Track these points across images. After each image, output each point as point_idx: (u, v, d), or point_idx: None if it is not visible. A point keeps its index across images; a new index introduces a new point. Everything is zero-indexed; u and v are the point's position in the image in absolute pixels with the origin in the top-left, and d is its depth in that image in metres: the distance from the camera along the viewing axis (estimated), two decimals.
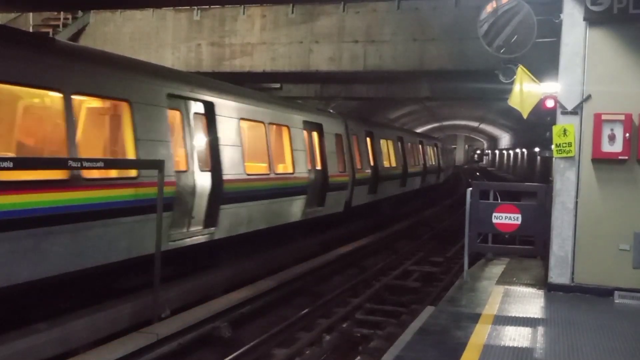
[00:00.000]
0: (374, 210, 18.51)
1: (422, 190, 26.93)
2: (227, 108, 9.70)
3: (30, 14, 15.75)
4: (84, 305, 7.10)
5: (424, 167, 27.00)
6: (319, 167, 13.55)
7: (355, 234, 15.83)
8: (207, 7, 15.32)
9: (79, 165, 6.25)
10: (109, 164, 7.14)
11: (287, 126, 12.09)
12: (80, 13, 15.93)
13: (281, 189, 11.36)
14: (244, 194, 9.88)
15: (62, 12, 15.75)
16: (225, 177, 9.27)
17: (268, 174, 11.01)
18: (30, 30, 15.31)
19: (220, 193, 9.17)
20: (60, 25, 15.81)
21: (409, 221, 20.18)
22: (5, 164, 5.37)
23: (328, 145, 14.08)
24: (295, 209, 12.17)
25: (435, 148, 31.86)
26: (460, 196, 22.84)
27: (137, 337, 6.69)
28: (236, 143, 9.82)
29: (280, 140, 12.16)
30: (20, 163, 5.77)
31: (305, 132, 12.92)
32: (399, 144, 22.16)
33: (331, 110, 17.72)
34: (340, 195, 14.75)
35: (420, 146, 26.91)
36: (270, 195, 10.93)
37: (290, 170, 11.96)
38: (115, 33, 16.00)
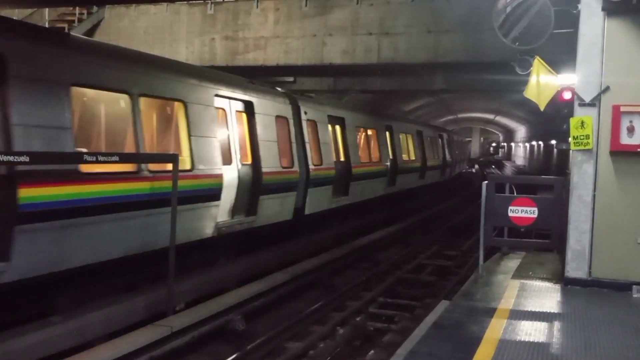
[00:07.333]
0: (422, 192, 23.88)
1: (450, 179, 30.99)
2: (353, 120, 15.41)
3: (46, 9, 15.85)
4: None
5: (453, 160, 31.33)
6: (391, 157, 18.58)
7: (370, 225, 15.83)
8: (221, 0, 15.31)
9: (94, 159, 6.30)
10: (123, 157, 7.20)
11: (375, 129, 17.46)
12: (95, 8, 16.01)
13: (374, 173, 16.72)
14: (361, 175, 15.36)
15: (77, 8, 15.84)
16: (352, 165, 14.65)
17: (368, 162, 16.30)
18: (46, 25, 15.42)
19: (350, 174, 14.50)
20: (76, 21, 15.91)
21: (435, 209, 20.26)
22: (21, 158, 5.44)
23: (397, 141, 19.20)
24: (381, 186, 17.50)
25: (462, 143, 36.40)
26: (469, 193, 23.28)
27: (151, 330, 6.74)
28: (356, 143, 15.43)
29: (374, 139, 17.43)
30: (36, 157, 5.81)
31: (386, 133, 18.38)
32: (439, 140, 27.01)
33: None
34: (407, 178, 20.15)
35: (452, 142, 31.22)
36: (370, 176, 16.20)
37: (378, 159, 17.20)
38: (129, 28, 16.05)
